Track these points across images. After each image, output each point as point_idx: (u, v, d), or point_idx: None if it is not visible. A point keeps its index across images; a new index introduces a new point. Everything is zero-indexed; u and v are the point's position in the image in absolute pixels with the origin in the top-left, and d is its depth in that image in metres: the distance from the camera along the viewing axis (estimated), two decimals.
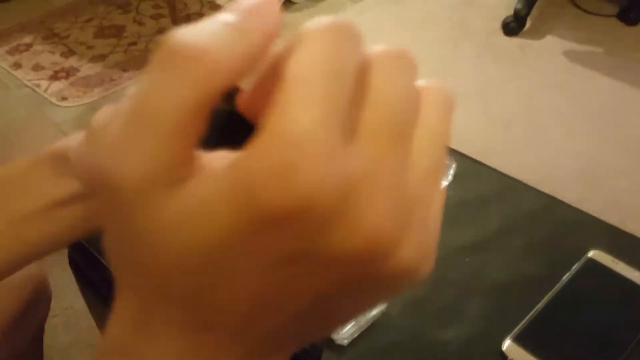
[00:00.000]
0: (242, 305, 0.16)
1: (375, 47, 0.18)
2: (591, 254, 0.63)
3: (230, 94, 0.17)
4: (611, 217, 0.69)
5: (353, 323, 0.57)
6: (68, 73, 2.10)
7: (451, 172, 0.72)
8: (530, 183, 0.73)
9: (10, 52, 2.23)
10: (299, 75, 0.15)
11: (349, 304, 0.18)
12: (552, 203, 0.70)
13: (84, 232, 0.40)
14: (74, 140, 0.38)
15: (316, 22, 0.17)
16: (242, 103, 0.19)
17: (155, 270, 0.16)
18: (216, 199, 0.15)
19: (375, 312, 0.59)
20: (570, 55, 2.02)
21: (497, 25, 2.16)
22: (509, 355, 0.55)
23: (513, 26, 2.11)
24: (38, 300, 0.72)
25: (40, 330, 0.78)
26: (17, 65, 2.15)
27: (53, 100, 1.97)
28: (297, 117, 0.14)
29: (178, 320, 0.16)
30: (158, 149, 0.15)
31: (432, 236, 0.18)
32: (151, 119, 0.15)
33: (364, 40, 0.17)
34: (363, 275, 0.16)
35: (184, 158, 0.16)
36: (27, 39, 2.29)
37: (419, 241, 0.17)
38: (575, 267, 0.62)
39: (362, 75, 0.17)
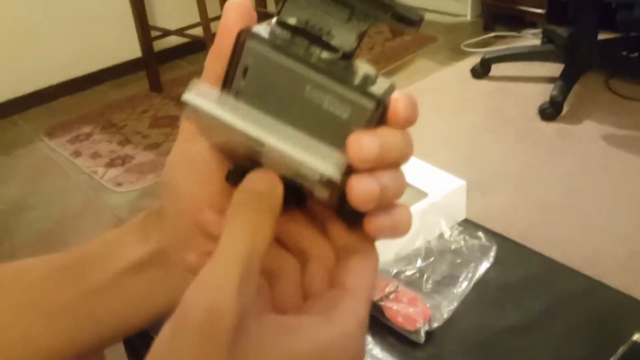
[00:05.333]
0: None
1: None
2: (636, 337, 0.63)
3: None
4: None
5: None
6: (124, 160, 2.23)
7: (492, 254, 0.74)
8: (574, 267, 0.74)
9: (71, 141, 2.39)
10: (359, 296, 0.27)
11: None
12: (595, 286, 0.71)
13: (149, 309, 0.37)
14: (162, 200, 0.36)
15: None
16: None
17: None
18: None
19: None
20: (609, 139, 2.04)
21: (534, 111, 2.21)
22: None
23: (550, 112, 2.15)
24: None
25: None
26: (77, 154, 2.30)
27: (109, 186, 2.09)
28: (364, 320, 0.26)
29: None
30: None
31: None
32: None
33: None
34: None
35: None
36: (87, 129, 2.46)
37: None
38: (620, 350, 0.62)
39: None
